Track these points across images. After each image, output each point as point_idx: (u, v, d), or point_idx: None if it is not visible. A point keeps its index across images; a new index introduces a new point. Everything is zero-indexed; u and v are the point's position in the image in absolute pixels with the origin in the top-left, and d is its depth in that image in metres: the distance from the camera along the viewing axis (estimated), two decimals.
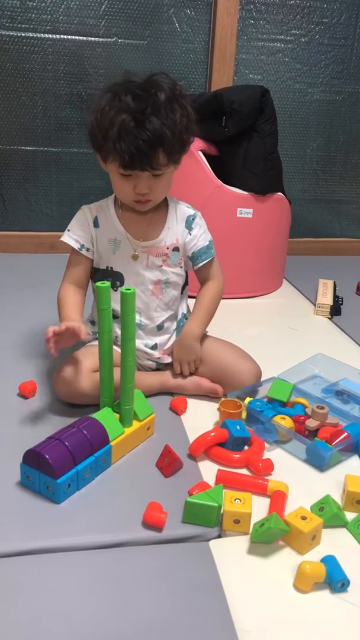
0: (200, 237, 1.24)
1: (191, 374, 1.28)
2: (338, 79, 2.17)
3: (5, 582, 0.82)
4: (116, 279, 1.23)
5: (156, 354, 1.27)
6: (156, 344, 1.27)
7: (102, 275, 1.23)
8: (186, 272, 1.30)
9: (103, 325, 1.06)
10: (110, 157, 1.10)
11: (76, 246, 1.21)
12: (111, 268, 1.23)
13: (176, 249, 1.23)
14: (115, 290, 1.23)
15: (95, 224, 1.22)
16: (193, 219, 1.24)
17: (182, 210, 1.24)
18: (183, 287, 1.30)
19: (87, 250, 1.22)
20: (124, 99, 1.06)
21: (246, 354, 1.30)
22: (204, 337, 1.32)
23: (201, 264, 1.26)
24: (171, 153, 1.10)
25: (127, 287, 1.03)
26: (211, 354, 1.28)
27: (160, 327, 1.27)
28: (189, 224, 1.23)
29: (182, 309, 1.31)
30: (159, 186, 1.14)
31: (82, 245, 1.22)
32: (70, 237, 1.22)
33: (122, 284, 1.23)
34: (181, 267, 1.26)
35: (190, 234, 1.23)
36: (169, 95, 1.09)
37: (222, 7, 1.97)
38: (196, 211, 1.26)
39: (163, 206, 1.23)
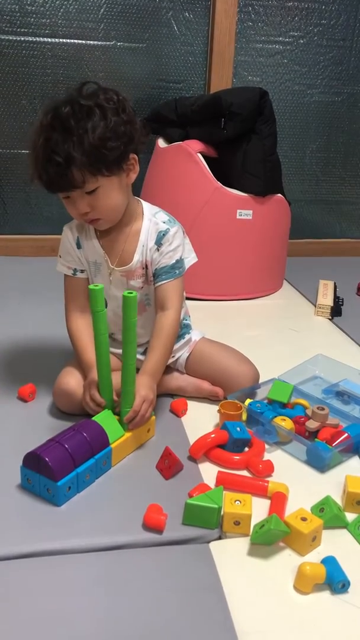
0: (167, 254, 1.15)
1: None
2: (337, 80, 2.18)
3: (5, 585, 0.82)
4: None
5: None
6: (147, 349, 1.26)
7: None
8: None
9: (98, 327, 1.06)
10: (34, 179, 1.08)
11: (69, 272, 1.20)
12: None
13: (146, 266, 1.18)
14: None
15: (78, 245, 1.19)
16: (164, 235, 1.15)
17: (156, 224, 1.16)
18: None
19: (82, 271, 1.20)
20: (41, 119, 1.04)
21: (244, 357, 1.29)
22: (202, 341, 1.31)
23: (159, 283, 1.16)
24: (88, 167, 1.03)
25: (129, 291, 1.03)
26: (210, 357, 1.28)
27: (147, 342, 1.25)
28: (158, 239, 1.15)
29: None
30: (99, 203, 1.08)
31: (75, 270, 1.20)
32: (62, 265, 1.20)
33: (105, 306, 1.21)
34: (152, 283, 1.19)
35: (157, 250, 1.16)
36: (77, 107, 1.02)
37: (221, 10, 1.98)
38: (172, 225, 1.16)
39: (138, 221, 1.17)
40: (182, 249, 1.18)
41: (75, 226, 1.20)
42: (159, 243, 1.16)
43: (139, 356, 1.25)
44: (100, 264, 1.19)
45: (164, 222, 1.17)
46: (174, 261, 1.16)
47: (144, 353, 1.25)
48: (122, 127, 1.05)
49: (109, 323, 1.21)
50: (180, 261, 1.18)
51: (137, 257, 1.17)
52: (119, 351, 1.24)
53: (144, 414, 1.08)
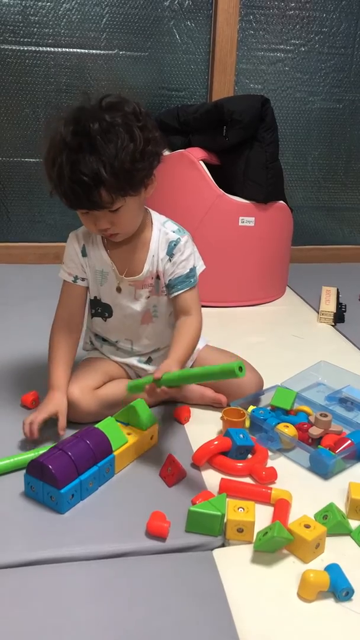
0: (180, 264, 1.15)
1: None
2: (338, 87, 2.18)
3: (9, 593, 0.82)
4: (105, 310, 1.21)
5: (151, 368, 1.26)
6: (150, 358, 1.26)
7: (92, 304, 1.23)
8: None
9: None
10: (61, 198, 1.05)
11: (70, 279, 1.19)
12: (99, 299, 1.21)
13: (158, 277, 1.18)
14: (105, 321, 1.23)
15: (84, 253, 1.18)
16: (175, 245, 1.15)
17: (166, 234, 1.16)
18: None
19: (82, 280, 1.20)
20: (63, 134, 1.00)
21: (247, 365, 1.29)
22: (206, 348, 1.32)
23: (176, 293, 1.16)
24: (117, 189, 1.01)
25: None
26: (212, 363, 1.27)
27: (155, 351, 1.26)
28: (170, 250, 1.15)
29: None
30: (120, 220, 1.07)
31: (76, 277, 1.19)
32: (64, 271, 1.19)
33: (110, 315, 1.21)
34: (165, 294, 1.20)
35: (170, 261, 1.15)
36: (106, 125, 0.99)
37: (222, 18, 1.99)
38: (182, 235, 1.16)
39: (147, 231, 1.16)
40: (193, 258, 1.18)
41: (82, 234, 1.19)
42: (170, 254, 1.15)
43: (143, 365, 1.26)
44: (107, 273, 1.18)
45: (174, 232, 1.17)
46: (187, 270, 1.16)
47: (148, 362, 1.26)
48: (149, 146, 1.03)
49: (114, 331, 1.22)
50: (193, 269, 1.18)
51: (147, 267, 1.16)
52: (123, 360, 1.25)
53: (161, 393, 1.04)
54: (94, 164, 0.98)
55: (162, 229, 1.17)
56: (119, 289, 1.18)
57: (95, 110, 1.02)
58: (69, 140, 0.99)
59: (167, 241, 1.16)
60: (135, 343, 1.24)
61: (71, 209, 1.06)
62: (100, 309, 1.22)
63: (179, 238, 1.16)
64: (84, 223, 1.11)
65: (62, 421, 1.12)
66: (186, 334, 1.14)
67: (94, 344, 1.29)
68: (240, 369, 0.93)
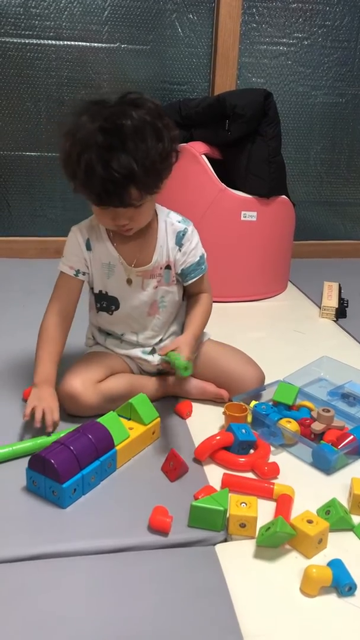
0: (190, 253, 1.19)
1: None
2: (341, 81, 2.17)
3: (11, 587, 0.82)
4: (111, 303, 1.21)
5: (155, 360, 1.26)
6: (154, 349, 1.26)
7: (97, 298, 1.22)
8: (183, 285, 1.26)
9: None
10: (82, 193, 1.05)
11: (71, 273, 1.18)
12: (106, 292, 1.21)
13: (168, 267, 1.19)
14: (111, 314, 1.22)
15: (88, 246, 1.17)
16: (183, 235, 1.18)
17: (172, 225, 1.18)
18: (183, 298, 1.27)
19: (84, 274, 1.19)
20: (88, 128, 1.00)
21: (250, 359, 1.29)
22: (208, 342, 1.31)
23: (191, 281, 1.22)
24: (145, 187, 1.03)
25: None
26: (215, 358, 1.28)
27: (159, 342, 1.26)
28: (179, 239, 1.18)
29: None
30: (140, 215, 1.09)
31: (78, 271, 1.18)
32: (64, 264, 1.19)
33: (117, 308, 1.21)
34: (175, 283, 1.23)
35: (180, 250, 1.18)
36: (137, 123, 1.00)
37: (225, 12, 1.98)
38: (187, 224, 1.20)
39: (153, 222, 1.18)
40: (201, 245, 1.22)
41: (86, 228, 1.19)
42: (179, 244, 1.18)
43: (146, 356, 1.25)
44: (114, 266, 1.18)
45: (179, 222, 1.19)
46: (198, 258, 1.21)
47: (151, 353, 1.26)
48: (173, 144, 1.06)
49: (120, 324, 1.22)
50: (202, 256, 1.22)
51: (156, 257, 1.18)
52: (127, 352, 1.25)
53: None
54: (128, 163, 0.99)
55: (167, 219, 1.19)
56: (129, 281, 1.18)
57: (123, 107, 1.02)
58: (98, 138, 0.99)
59: (174, 231, 1.18)
60: (140, 335, 1.24)
61: (97, 205, 1.06)
62: (106, 303, 1.22)
63: (186, 228, 1.19)
64: (99, 218, 1.12)
65: (56, 417, 1.11)
66: (201, 311, 1.23)
67: (97, 339, 1.29)
68: (186, 368, 1.06)
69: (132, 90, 1.06)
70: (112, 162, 0.98)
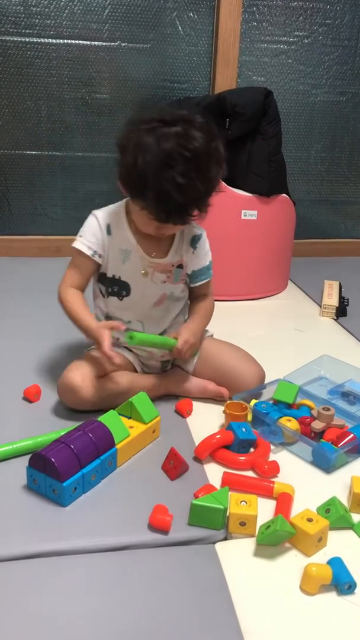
0: (203, 256, 1.25)
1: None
2: (342, 80, 2.17)
3: (12, 585, 0.82)
4: (123, 288, 1.23)
5: (158, 352, 1.27)
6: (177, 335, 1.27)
7: (110, 282, 1.23)
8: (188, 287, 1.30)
9: None
10: (145, 210, 1.08)
11: (89, 252, 1.20)
12: (119, 277, 1.22)
13: (180, 266, 1.23)
14: (121, 300, 1.24)
15: (108, 231, 1.20)
16: (198, 239, 1.23)
17: (189, 228, 1.23)
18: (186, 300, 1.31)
19: (100, 256, 1.21)
20: (163, 148, 1.02)
21: (250, 357, 1.30)
22: (208, 340, 1.32)
23: (199, 283, 1.26)
24: (204, 208, 1.11)
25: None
26: (216, 356, 1.28)
27: (162, 334, 1.27)
28: (194, 242, 1.23)
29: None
30: (182, 226, 1.16)
31: (95, 252, 1.20)
32: (83, 244, 1.20)
33: (128, 294, 1.23)
34: (183, 282, 1.26)
35: (193, 253, 1.23)
36: (207, 152, 1.05)
37: (225, 10, 1.97)
38: (202, 231, 1.25)
39: None
40: (210, 252, 1.27)
41: (108, 214, 1.21)
42: (194, 246, 1.24)
43: (149, 348, 1.26)
44: (130, 252, 1.20)
45: (194, 227, 1.24)
46: (207, 262, 1.27)
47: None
48: (222, 168, 1.11)
49: (128, 310, 1.25)
50: (211, 263, 1.28)
51: (171, 255, 1.22)
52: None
53: (184, 354, 1.20)
54: (200, 190, 1.06)
55: None
56: (145, 273, 1.21)
57: (187, 129, 1.05)
58: (178, 167, 1.02)
59: (191, 234, 1.23)
60: (146, 324, 1.26)
61: (160, 220, 1.09)
62: (118, 288, 1.23)
63: (201, 233, 1.25)
64: (143, 223, 1.14)
65: (116, 326, 1.17)
66: (204, 309, 1.29)
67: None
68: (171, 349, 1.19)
69: (196, 116, 1.08)
70: (187, 190, 1.03)
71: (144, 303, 1.24)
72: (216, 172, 1.08)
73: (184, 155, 1.02)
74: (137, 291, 1.23)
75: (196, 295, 1.30)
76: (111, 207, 1.23)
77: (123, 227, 1.20)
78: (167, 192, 1.03)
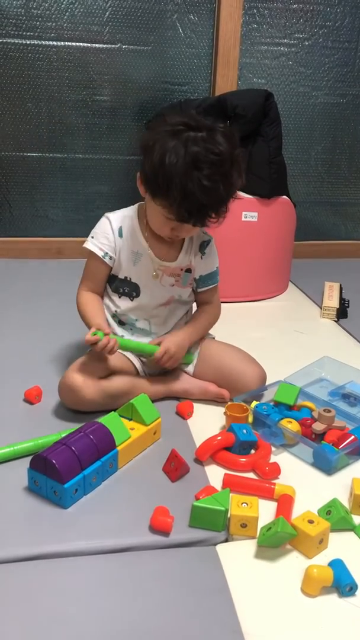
0: (211, 262, 1.27)
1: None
2: (342, 82, 2.17)
3: (12, 587, 0.82)
4: (133, 289, 1.25)
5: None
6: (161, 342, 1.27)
7: (120, 283, 1.25)
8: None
9: None
10: (166, 208, 1.10)
11: (100, 254, 1.22)
12: (130, 278, 1.24)
13: (188, 270, 1.25)
14: (132, 301, 1.25)
15: (120, 233, 1.22)
16: (207, 244, 1.26)
17: (198, 235, 1.25)
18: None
19: (110, 258, 1.23)
20: (190, 151, 1.05)
21: (251, 358, 1.30)
22: (209, 341, 1.32)
23: (205, 288, 1.28)
24: (222, 213, 1.14)
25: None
26: (217, 357, 1.29)
27: (168, 333, 1.28)
28: (203, 248, 1.25)
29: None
30: (195, 230, 1.19)
31: (106, 254, 1.22)
32: (94, 245, 1.23)
33: (137, 295, 1.25)
34: (191, 287, 1.29)
35: (202, 258, 1.25)
36: (230, 159, 1.08)
37: (226, 12, 1.98)
38: (210, 237, 1.27)
39: None
40: (217, 258, 1.30)
41: (120, 217, 1.23)
42: (203, 251, 1.26)
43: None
44: (141, 255, 1.22)
45: (204, 233, 1.27)
46: (215, 268, 1.29)
47: (158, 344, 1.26)
48: (242, 177, 1.14)
49: (137, 310, 1.26)
50: (217, 269, 1.30)
51: (180, 258, 1.24)
52: (136, 338, 1.27)
53: (164, 363, 1.21)
54: (223, 195, 1.09)
55: None
56: (156, 275, 1.23)
57: (224, 137, 1.08)
58: (205, 170, 1.05)
59: (200, 239, 1.26)
60: (152, 323, 1.27)
61: (176, 220, 1.12)
62: (128, 289, 1.25)
63: (210, 239, 1.27)
64: (158, 224, 1.17)
65: (106, 329, 1.17)
66: (201, 322, 1.29)
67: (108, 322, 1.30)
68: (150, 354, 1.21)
69: (221, 125, 1.11)
70: (212, 192, 1.06)
71: (153, 304, 1.26)
72: (237, 179, 1.11)
73: (210, 159, 1.06)
74: (147, 293, 1.24)
75: (200, 302, 1.32)
76: (124, 210, 1.25)
77: (135, 230, 1.22)
78: (192, 192, 1.05)
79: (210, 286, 1.29)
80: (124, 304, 1.26)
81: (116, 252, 1.23)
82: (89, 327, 1.19)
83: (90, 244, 1.23)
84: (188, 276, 1.26)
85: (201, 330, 1.30)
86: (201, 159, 1.05)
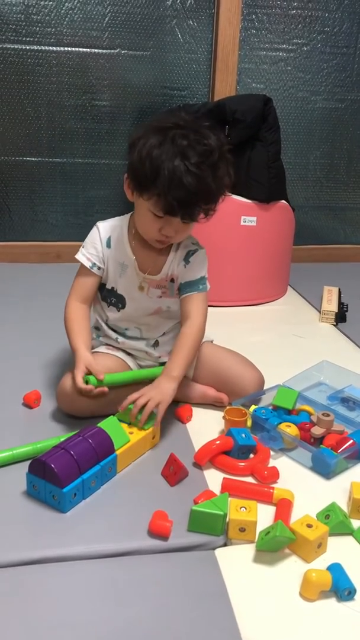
0: (194, 270, 1.22)
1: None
2: (340, 87, 2.18)
3: (11, 591, 0.82)
4: (119, 300, 1.25)
5: (156, 353, 1.28)
6: (157, 341, 1.28)
7: (107, 293, 1.25)
8: None
9: None
10: (152, 200, 1.08)
11: (87, 264, 1.22)
12: (116, 290, 1.24)
13: (172, 280, 1.23)
14: (119, 312, 1.25)
15: (108, 244, 1.22)
16: (192, 254, 1.22)
17: (185, 244, 1.23)
18: None
19: (99, 268, 1.23)
20: (179, 143, 1.05)
21: (249, 362, 1.30)
22: (207, 345, 1.32)
23: (185, 295, 1.22)
24: (211, 208, 1.13)
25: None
26: (215, 361, 1.29)
27: (163, 335, 1.29)
28: (187, 257, 1.22)
29: None
30: (184, 231, 1.16)
31: (94, 264, 1.22)
32: (83, 255, 1.23)
33: (123, 306, 1.25)
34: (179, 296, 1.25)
35: (185, 267, 1.22)
36: (219, 152, 1.08)
37: (224, 18, 1.99)
38: (200, 247, 1.24)
39: None
40: (205, 269, 1.24)
41: (110, 226, 1.23)
42: (187, 260, 1.22)
43: (149, 349, 1.28)
44: (127, 266, 1.22)
45: (193, 244, 1.24)
46: (198, 277, 1.23)
47: (155, 345, 1.28)
48: (231, 177, 1.14)
49: (125, 320, 1.26)
50: (204, 278, 1.24)
51: (165, 270, 1.22)
52: (131, 343, 1.27)
53: (138, 406, 1.10)
54: (211, 187, 1.07)
55: (184, 239, 1.22)
56: (141, 288, 1.22)
57: (212, 133, 1.09)
58: (190, 156, 1.04)
59: (186, 249, 1.23)
60: (144, 331, 1.27)
61: (163, 214, 1.09)
62: (115, 300, 1.25)
63: (197, 249, 1.23)
64: (146, 225, 1.14)
65: (95, 370, 1.15)
66: (184, 343, 1.18)
67: (101, 330, 1.30)
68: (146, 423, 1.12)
69: (204, 124, 1.12)
70: (200, 178, 1.05)
71: (140, 314, 1.25)
72: (225, 173, 1.10)
73: (197, 149, 1.05)
74: (132, 305, 1.24)
75: (182, 314, 1.23)
76: (115, 220, 1.24)
77: (123, 241, 1.22)
78: (179, 179, 1.04)
79: (190, 293, 1.22)
80: (111, 314, 1.26)
81: (104, 262, 1.22)
82: (71, 345, 1.19)
83: (80, 255, 1.23)
84: (173, 285, 1.24)
85: (190, 354, 1.18)
86: (188, 149, 1.05)
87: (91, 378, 1.14)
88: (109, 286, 1.25)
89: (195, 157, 1.05)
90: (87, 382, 1.14)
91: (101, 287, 1.26)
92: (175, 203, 1.06)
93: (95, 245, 1.22)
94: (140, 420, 1.10)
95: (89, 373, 1.15)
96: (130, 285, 1.23)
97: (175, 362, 1.16)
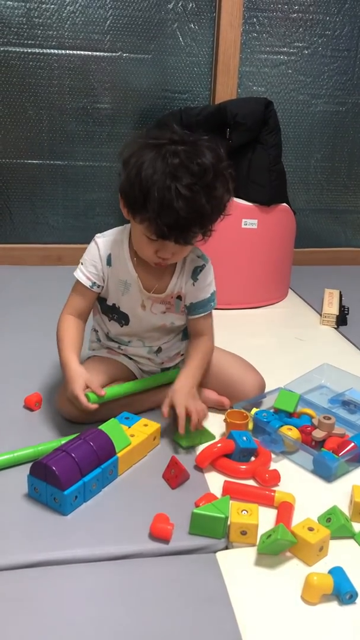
0: (204, 288, 1.20)
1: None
2: (341, 90, 2.19)
3: (12, 594, 0.82)
4: (121, 317, 1.22)
5: (158, 359, 1.27)
6: (160, 348, 1.27)
7: (109, 310, 1.23)
8: None
9: None
10: (145, 224, 1.04)
11: (87, 284, 1.18)
12: (119, 307, 1.21)
13: (179, 297, 1.20)
14: (121, 327, 1.24)
15: (108, 262, 1.18)
16: (200, 270, 1.18)
17: (191, 259, 1.19)
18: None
19: (98, 287, 1.19)
20: (170, 162, 0.99)
21: (250, 365, 1.30)
22: None
23: (197, 317, 1.21)
24: (207, 230, 1.07)
25: None
26: (216, 364, 1.28)
27: (166, 342, 1.28)
28: (195, 274, 1.18)
29: None
30: (182, 252, 1.12)
31: (94, 283, 1.18)
32: (82, 274, 1.18)
33: (127, 323, 1.22)
34: (184, 313, 1.24)
35: (194, 285, 1.19)
36: (214, 170, 1.01)
37: (226, 21, 1.99)
38: (206, 261, 1.20)
39: None
40: (214, 283, 1.22)
41: (110, 242, 1.18)
42: (195, 278, 1.19)
43: (152, 355, 1.27)
44: (130, 285, 1.18)
45: (199, 257, 1.20)
46: (209, 295, 1.21)
47: (157, 352, 1.27)
48: (231, 194, 1.08)
49: (127, 334, 1.24)
50: (214, 294, 1.22)
51: (170, 287, 1.19)
52: (133, 350, 1.26)
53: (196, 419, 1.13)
54: (206, 208, 1.01)
55: (189, 253, 1.18)
56: (143, 306, 1.19)
57: (196, 148, 1.02)
58: (182, 178, 0.99)
59: (192, 265, 1.19)
60: (146, 342, 1.26)
61: (157, 238, 1.04)
62: (117, 316, 1.23)
63: (204, 264, 1.20)
64: (143, 247, 1.10)
65: (95, 387, 1.12)
66: (200, 354, 1.21)
67: (102, 339, 1.29)
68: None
69: (199, 136, 1.06)
70: (192, 201, 0.99)
71: (143, 329, 1.23)
72: (223, 192, 1.04)
73: (190, 169, 0.99)
74: (136, 322, 1.22)
75: (192, 331, 1.24)
76: (115, 234, 1.19)
77: (124, 258, 1.17)
78: (169, 203, 0.98)
79: (201, 314, 1.21)
80: (113, 328, 1.25)
81: (104, 280, 1.18)
82: (60, 356, 1.16)
83: (79, 273, 1.18)
84: (180, 303, 1.20)
85: (201, 368, 1.20)
86: (180, 169, 0.99)
87: (91, 395, 1.11)
88: (109, 302, 1.22)
89: (187, 177, 0.99)
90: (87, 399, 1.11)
91: (100, 300, 1.23)
92: (166, 229, 1.01)
93: (95, 264, 1.17)
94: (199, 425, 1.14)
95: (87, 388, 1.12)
96: (134, 304, 1.20)
97: (189, 375, 1.17)
